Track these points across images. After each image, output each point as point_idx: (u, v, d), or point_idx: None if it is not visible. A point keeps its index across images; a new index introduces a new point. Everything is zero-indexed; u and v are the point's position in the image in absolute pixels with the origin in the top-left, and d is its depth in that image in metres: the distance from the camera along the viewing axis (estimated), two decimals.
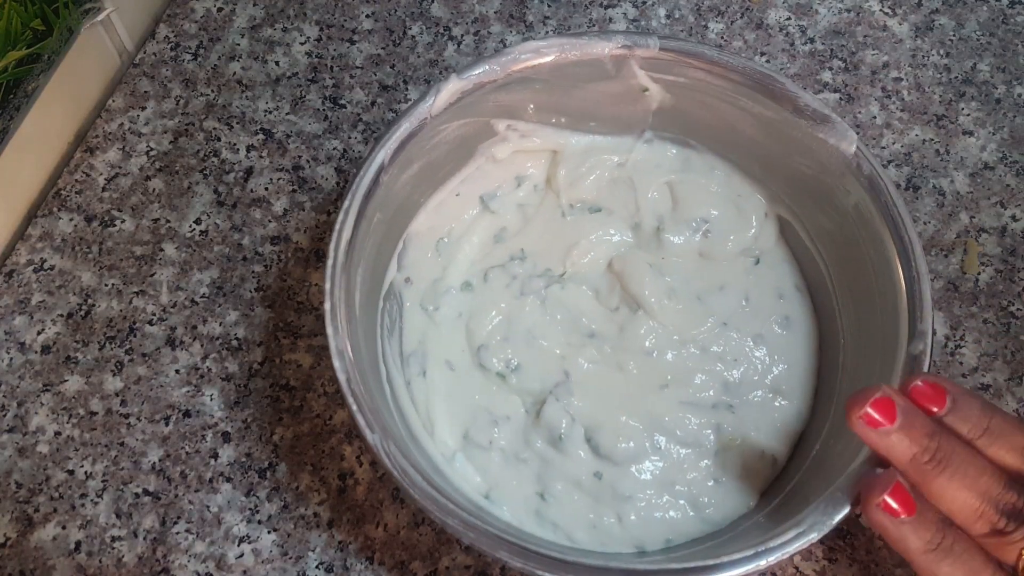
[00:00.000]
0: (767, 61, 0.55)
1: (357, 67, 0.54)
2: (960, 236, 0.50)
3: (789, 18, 0.56)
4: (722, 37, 0.56)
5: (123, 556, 0.42)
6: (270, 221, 0.50)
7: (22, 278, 0.48)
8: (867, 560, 0.42)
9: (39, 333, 0.47)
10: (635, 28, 0.56)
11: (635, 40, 0.43)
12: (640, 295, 0.44)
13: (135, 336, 0.47)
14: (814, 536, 0.35)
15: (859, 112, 0.53)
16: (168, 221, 0.50)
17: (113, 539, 0.42)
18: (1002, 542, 0.32)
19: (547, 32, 0.56)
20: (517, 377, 0.43)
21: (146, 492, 0.43)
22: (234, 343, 0.47)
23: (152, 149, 0.52)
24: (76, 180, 0.51)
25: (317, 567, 0.42)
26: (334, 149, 0.52)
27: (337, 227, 0.39)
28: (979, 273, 0.49)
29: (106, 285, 0.48)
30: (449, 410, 0.43)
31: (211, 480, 0.44)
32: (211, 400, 0.45)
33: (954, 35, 0.56)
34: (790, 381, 0.44)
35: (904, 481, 0.33)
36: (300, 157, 0.52)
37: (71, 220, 0.50)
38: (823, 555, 0.42)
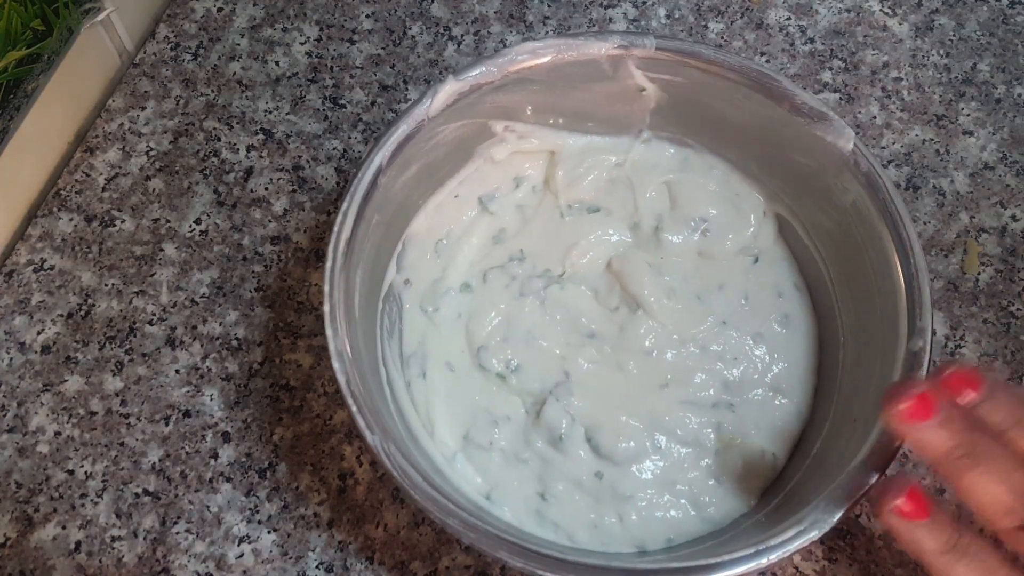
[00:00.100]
0: (767, 61, 0.55)
1: (357, 67, 0.54)
2: (960, 236, 0.50)
3: (789, 18, 0.56)
4: (722, 37, 0.56)
5: (123, 556, 0.42)
6: (270, 221, 0.50)
7: (22, 278, 0.48)
8: (867, 560, 0.42)
9: (39, 333, 0.47)
10: (635, 28, 0.56)
11: (631, 40, 0.43)
12: (639, 295, 0.44)
13: (135, 336, 0.47)
14: (814, 535, 0.35)
15: (859, 112, 0.53)
16: (168, 221, 0.50)
17: (113, 539, 0.42)
18: None
19: (547, 32, 0.56)
20: (517, 377, 0.43)
21: (146, 492, 0.43)
22: (234, 343, 0.47)
23: (152, 149, 0.52)
24: (76, 180, 0.51)
25: (317, 567, 0.42)
26: (334, 149, 0.52)
27: (336, 229, 0.39)
28: (979, 273, 0.49)
29: (106, 285, 0.48)
30: (449, 411, 0.43)
31: (211, 480, 0.44)
32: (211, 400, 0.45)
33: (954, 35, 0.56)
34: (790, 379, 0.44)
35: (919, 484, 0.33)
36: (300, 157, 0.52)
37: (71, 220, 0.50)
38: (823, 555, 0.42)
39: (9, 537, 0.42)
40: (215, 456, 0.44)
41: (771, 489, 0.41)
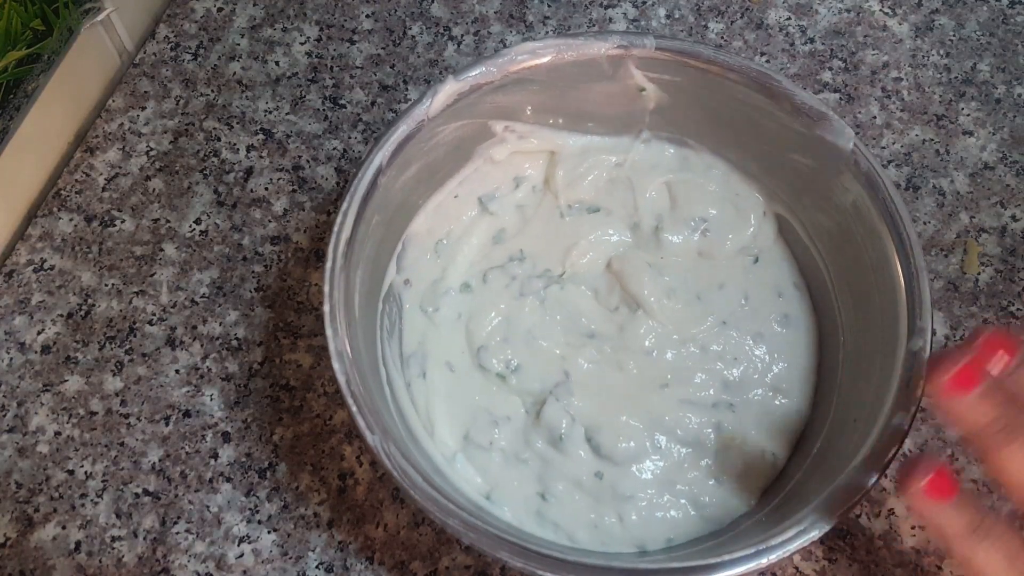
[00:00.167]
0: (767, 61, 0.55)
1: (357, 67, 0.54)
2: (960, 236, 0.50)
3: (789, 18, 0.56)
4: (722, 37, 0.56)
5: (123, 556, 0.42)
6: (270, 221, 0.50)
7: (22, 278, 0.48)
8: (867, 560, 0.42)
9: (39, 333, 0.47)
10: (635, 28, 0.56)
11: (631, 40, 0.43)
12: (639, 295, 0.44)
13: (135, 336, 0.47)
14: (814, 535, 0.35)
15: (859, 112, 0.53)
16: (168, 221, 0.50)
17: (113, 539, 0.42)
18: None
19: (547, 32, 0.56)
20: (517, 378, 0.43)
21: (146, 492, 0.43)
22: (234, 343, 0.47)
23: (152, 149, 0.52)
24: (76, 180, 0.51)
25: (317, 567, 0.42)
26: (334, 149, 0.52)
27: (336, 229, 0.39)
28: (979, 273, 0.49)
29: (106, 285, 0.48)
30: (449, 411, 0.43)
31: (211, 480, 0.44)
32: (211, 400, 0.45)
33: (954, 35, 0.56)
34: (790, 379, 0.44)
35: (946, 465, 0.32)
36: (300, 157, 0.52)
37: (71, 220, 0.50)
38: (823, 555, 0.42)
39: (9, 537, 0.42)
40: (215, 456, 0.44)
41: (771, 489, 0.41)
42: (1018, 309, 0.48)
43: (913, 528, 0.43)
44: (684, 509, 0.41)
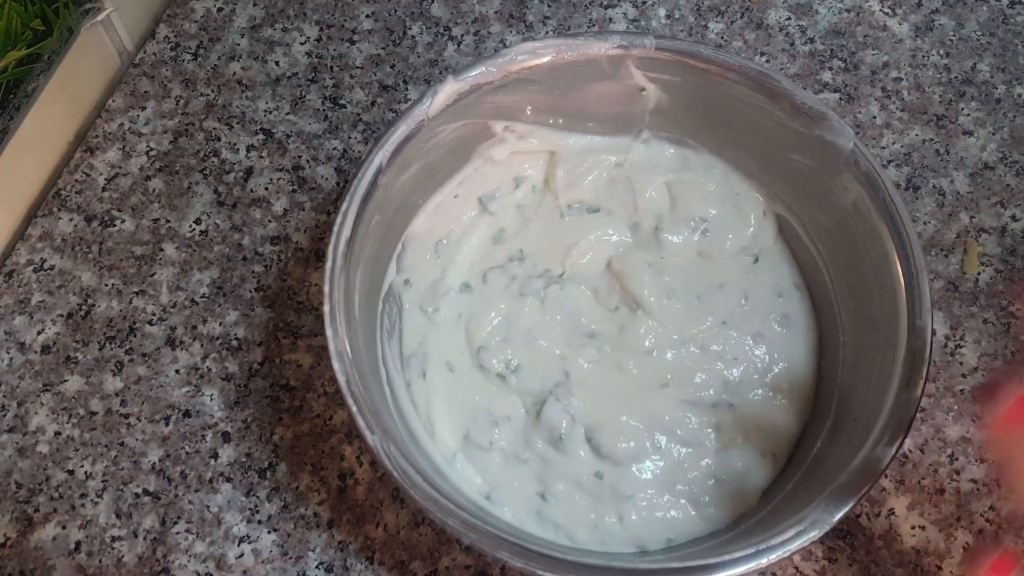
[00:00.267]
0: (767, 61, 0.55)
1: (357, 67, 0.54)
2: (960, 236, 0.50)
3: (789, 18, 0.56)
4: (722, 37, 0.56)
5: (123, 556, 0.42)
6: (270, 221, 0.50)
7: (22, 278, 0.48)
8: (867, 560, 0.42)
9: (39, 333, 0.47)
10: (635, 28, 0.56)
11: (631, 40, 0.43)
12: (639, 295, 0.44)
13: (135, 336, 0.47)
14: (814, 535, 0.35)
15: (859, 112, 0.53)
16: (168, 221, 0.50)
17: (113, 539, 0.42)
18: None
19: (547, 32, 0.56)
20: (517, 378, 0.43)
21: (146, 492, 0.43)
22: (234, 343, 0.47)
23: (152, 149, 0.52)
24: (76, 180, 0.51)
25: (317, 567, 0.42)
26: (334, 149, 0.52)
27: (335, 229, 0.39)
28: (979, 273, 0.49)
29: (106, 285, 0.48)
30: (449, 411, 0.43)
31: (211, 480, 0.44)
32: (211, 400, 0.45)
33: (954, 35, 0.56)
34: (790, 379, 0.44)
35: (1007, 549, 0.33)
36: (300, 157, 0.52)
37: (71, 220, 0.50)
38: (823, 555, 0.42)
39: (9, 537, 0.42)
40: (215, 456, 0.44)
41: (771, 489, 0.41)
42: (1018, 309, 0.48)
43: (913, 528, 0.43)
44: (684, 509, 0.41)
